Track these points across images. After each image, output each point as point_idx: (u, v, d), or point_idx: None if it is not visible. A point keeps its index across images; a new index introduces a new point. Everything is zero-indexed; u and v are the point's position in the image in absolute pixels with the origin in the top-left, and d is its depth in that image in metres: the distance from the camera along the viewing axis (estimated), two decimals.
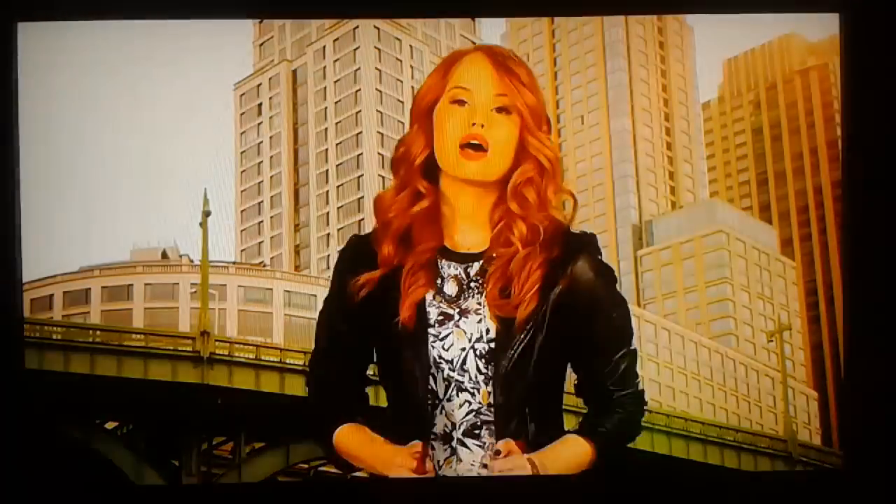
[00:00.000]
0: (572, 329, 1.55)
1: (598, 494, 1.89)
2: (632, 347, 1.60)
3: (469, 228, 1.58)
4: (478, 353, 1.53)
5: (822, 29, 2.32)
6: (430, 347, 1.53)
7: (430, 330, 1.54)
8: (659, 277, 4.64)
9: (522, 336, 1.52)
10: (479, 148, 1.52)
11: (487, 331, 1.53)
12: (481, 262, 1.57)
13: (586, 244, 1.58)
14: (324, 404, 1.61)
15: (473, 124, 1.51)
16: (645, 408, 1.65)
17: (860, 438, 2.27)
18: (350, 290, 1.55)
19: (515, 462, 1.51)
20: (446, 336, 1.53)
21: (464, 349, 1.53)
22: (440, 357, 1.53)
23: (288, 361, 3.55)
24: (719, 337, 4.57)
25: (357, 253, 1.60)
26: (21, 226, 2.21)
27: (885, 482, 2.23)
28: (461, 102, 1.53)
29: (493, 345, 1.53)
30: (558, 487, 1.65)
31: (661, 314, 4.58)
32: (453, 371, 1.53)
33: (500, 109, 1.53)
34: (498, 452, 1.52)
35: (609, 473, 1.59)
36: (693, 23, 3.13)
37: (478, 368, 1.53)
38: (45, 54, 2.27)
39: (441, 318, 1.54)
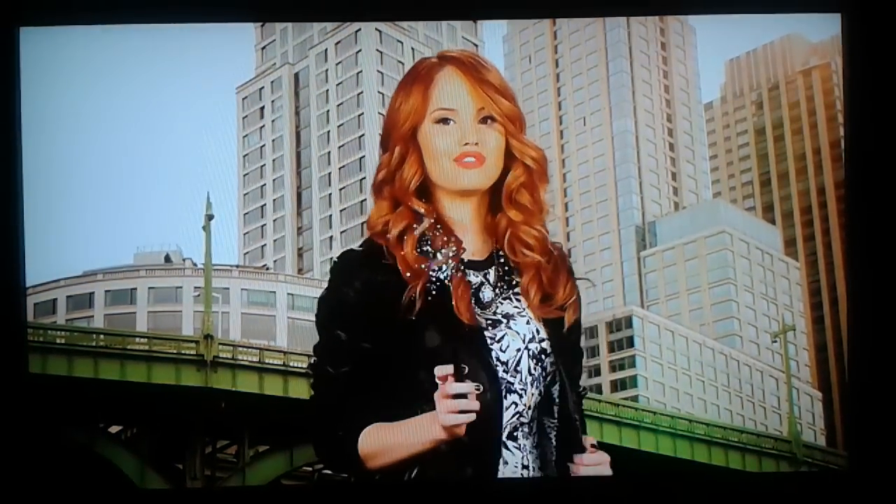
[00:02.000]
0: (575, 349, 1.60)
1: (604, 496, 1.88)
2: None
3: (469, 239, 1.58)
4: (531, 353, 1.53)
5: (825, 29, 2.32)
6: (490, 350, 1.53)
7: (486, 333, 1.53)
8: (662, 278, 4.64)
9: (572, 337, 1.56)
10: (475, 159, 1.54)
11: (538, 331, 1.54)
12: (494, 267, 1.58)
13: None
14: (348, 416, 1.57)
15: (467, 143, 1.53)
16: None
17: (865, 439, 2.26)
18: (401, 309, 1.52)
19: (603, 458, 1.53)
20: (502, 338, 1.53)
21: (519, 350, 1.53)
22: (497, 359, 1.53)
23: (291, 364, 3.55)
24: (723, 338, 4.57)
25: (368, 267, 1.57)
26: (25, 230, 2.21)
27: (889, 483, 2.22)
28: (446, 121, 1.54)
29: (544, 344, 1.53)
30: (565, 490, 1.65)
31: (665, 315, 4.57)
32: (507, 373, 1.53)
33: (483, 120, 1.55)
34: (594, 446, 1.52)
35: (614, 475, 1.59)
36: (695, 23, 3.13)
37: (529, 370, 1.53)
38: (48, 59, 2.27)
39: (490, 321, 1.54)
